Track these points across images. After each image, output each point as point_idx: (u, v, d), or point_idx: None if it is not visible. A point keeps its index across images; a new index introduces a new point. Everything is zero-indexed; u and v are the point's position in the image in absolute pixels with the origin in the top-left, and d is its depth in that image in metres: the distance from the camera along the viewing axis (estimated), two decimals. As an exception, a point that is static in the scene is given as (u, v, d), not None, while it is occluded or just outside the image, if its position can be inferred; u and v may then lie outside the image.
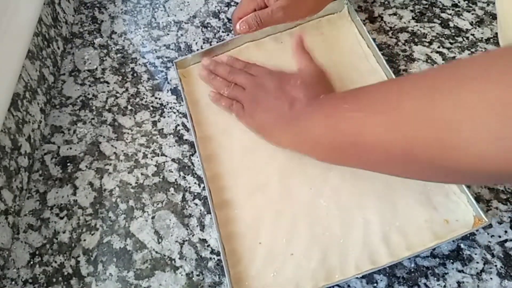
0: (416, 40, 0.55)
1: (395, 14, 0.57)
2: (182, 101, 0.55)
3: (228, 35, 0.59)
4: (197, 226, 0.47)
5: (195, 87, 0.54)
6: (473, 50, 0.53)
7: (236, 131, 0.50)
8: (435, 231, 0.42)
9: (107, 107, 0.56)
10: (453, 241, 0.43)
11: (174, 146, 0.52)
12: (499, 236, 0.43)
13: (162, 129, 0.53)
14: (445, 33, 0.55)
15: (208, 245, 0.45)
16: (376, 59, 0.52)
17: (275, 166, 0.48)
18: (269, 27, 0.55)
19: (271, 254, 0.43)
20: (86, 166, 0.52)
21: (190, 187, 0.49)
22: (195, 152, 0.51)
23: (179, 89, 0.56)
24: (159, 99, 0.55)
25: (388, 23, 0.57)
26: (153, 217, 0.47)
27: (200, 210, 0.47)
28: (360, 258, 0.42)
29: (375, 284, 0.42)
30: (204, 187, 0.48)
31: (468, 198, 0.43)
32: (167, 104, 0.55)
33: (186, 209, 0.48)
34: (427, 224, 0.42)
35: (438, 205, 0.43)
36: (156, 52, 0.59)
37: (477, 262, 0.42)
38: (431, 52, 0.54)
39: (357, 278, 0.42)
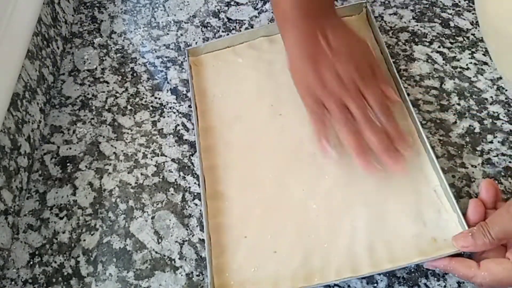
0: (416, 39, 0.55)
1: (395, 13, 0.57)
2: (182, 101, 0.55)
3: (227, 34, 0.59)
4: (197, 226, 0.47)
5: (204, 77, 0.54)
6: (473, 49, 0.53)
7: (238, 125, 0.51)
8: (421, 247, 0.41)
9: (106, 107, 0.56)
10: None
11: (174, 146, 0.52)
12: (500, 236, 0.42)
13: (162, 129, 0.53)
14: (446, 32, 0.55)
15: (208, 245, 0.45)
16: (388, 67, 0.51)
17: (272, 163, 0.48)
18: None
19: (255, 249, 0.43)
20: (86, 166, 0.51)
21: (190, 187, 0.49)
22: (195, 152, 0.51)
23: (179, 89, 0.56)
24: (159, 99, 0.55)
25: (389, 22, 0.57)
26: (153, 217, 0.47)
27: (200, 210, 0.47)
28: (341, 265, 0.41)
29: (375, 284, 0.41)
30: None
31: (459, 218, 0.41)
32: (167, 104, 0.55)
33: (186, 209, 0.48)
34: (414, 240, 0.41)
35: (429, 221, 0.42)
36: (155, 52, 0.59)
37: (478, 262, 0.41)
38: (432, 51, 0.53)
39: (357, 278, 0.42)
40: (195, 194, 0.48)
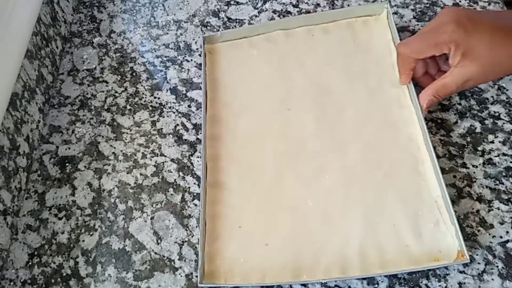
0: (417, 39, 0.54)
1: (396, 13, 0.57)
2: (182, 100, 0.54)
3: (227, 34, 0.59)
4: (196, 226, 0.46)
5: (217, 66, 0.55)
6: (474, 49, 0.53)
7: (245, 116, 0.51)
8: (414, 256, 0.41)
9: (106, 107, 0.55)
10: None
11: (174, 146, 0.52)
12: (501, 237, 0.42)
13: (161, 129, 0.53)
14: (446, 32, 0.54)
15: (208, 246, 0.45)
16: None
17: (274, 157, 0.48)
18: (303, 18, 0.55)
19: (247, 240, 0.44)
20: (85, 166, 0.51)
21: (189, 187, 0.49)
22: (195, 152, 0.51)
23: (178, 89, 0.55)
24: (158, 98, 0.55)
25: (389, 22, 0.56)
26: (152, 218, 0.47)
27: (200, 211, 0.47)
28: (330, 265, 0.41)
29: (376, 285, 0.41)
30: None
31: (456, 231, 0.41)
32: (166, 104, 0.55)
33: (186, 209, 0.47)
34: (407, 248, 0.41)
35: (425, 232, 0.42)
36: (155, 51, 0.59)
37: (479, 263, 0.41)
38: (432, 51, 0.53)
39: (357, 279, 0.41)
40: (195, 194, 0.48)
